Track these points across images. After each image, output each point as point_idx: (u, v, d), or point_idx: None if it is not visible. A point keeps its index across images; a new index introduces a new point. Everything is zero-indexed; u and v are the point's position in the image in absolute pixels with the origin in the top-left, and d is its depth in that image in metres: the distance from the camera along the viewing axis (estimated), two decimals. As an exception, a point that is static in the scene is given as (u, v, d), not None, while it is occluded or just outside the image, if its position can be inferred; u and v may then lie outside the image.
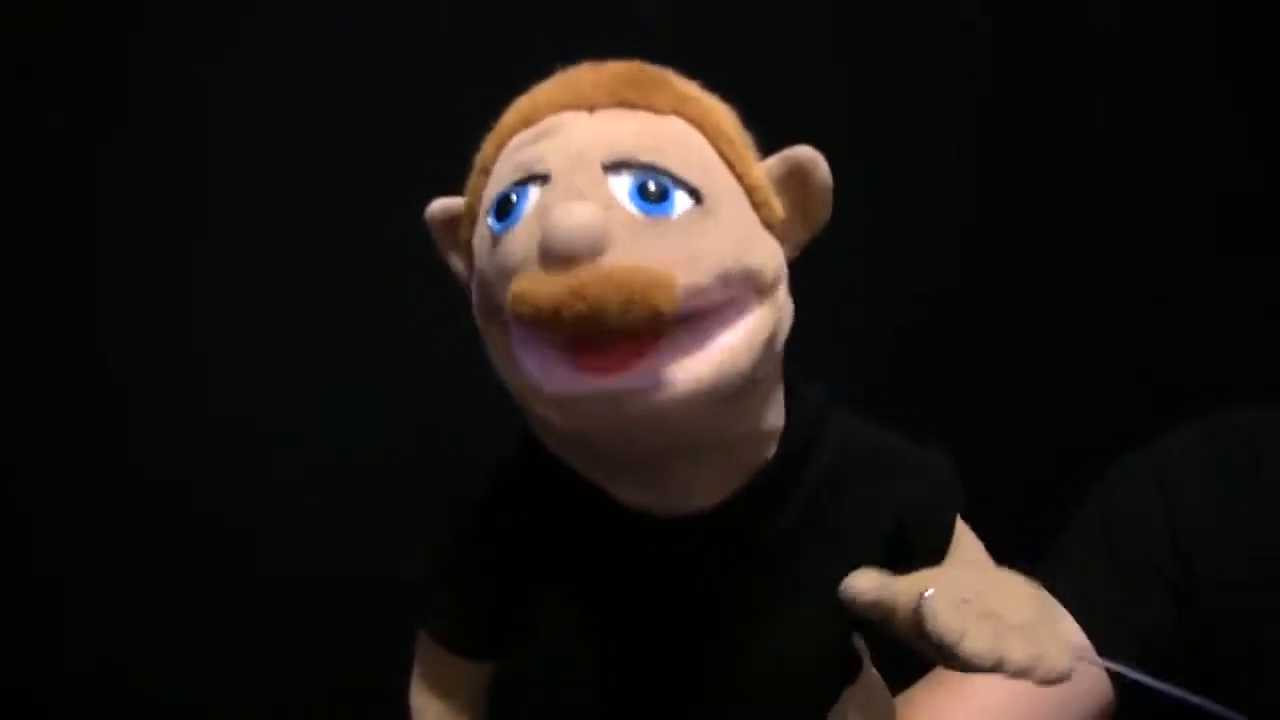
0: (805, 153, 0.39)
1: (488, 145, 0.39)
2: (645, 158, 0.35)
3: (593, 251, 0.33)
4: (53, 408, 0.93)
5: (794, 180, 0.39)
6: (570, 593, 0.47)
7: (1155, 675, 0.70)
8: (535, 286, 0.33)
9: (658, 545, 0.43)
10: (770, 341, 0.38)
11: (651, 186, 0.35)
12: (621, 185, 0.35)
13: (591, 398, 0.34)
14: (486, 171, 0.39)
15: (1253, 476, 0.69)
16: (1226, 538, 0.68)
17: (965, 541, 0.47)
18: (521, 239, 0.35)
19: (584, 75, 0.39)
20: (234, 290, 0.95)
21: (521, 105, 0.39)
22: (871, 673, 0.52)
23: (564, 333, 0.34)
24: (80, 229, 0.93)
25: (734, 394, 0.37)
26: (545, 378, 0.35)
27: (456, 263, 0.42)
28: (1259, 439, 0.70)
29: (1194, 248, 1.10)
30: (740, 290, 0.36)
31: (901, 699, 0.59)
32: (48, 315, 0.93)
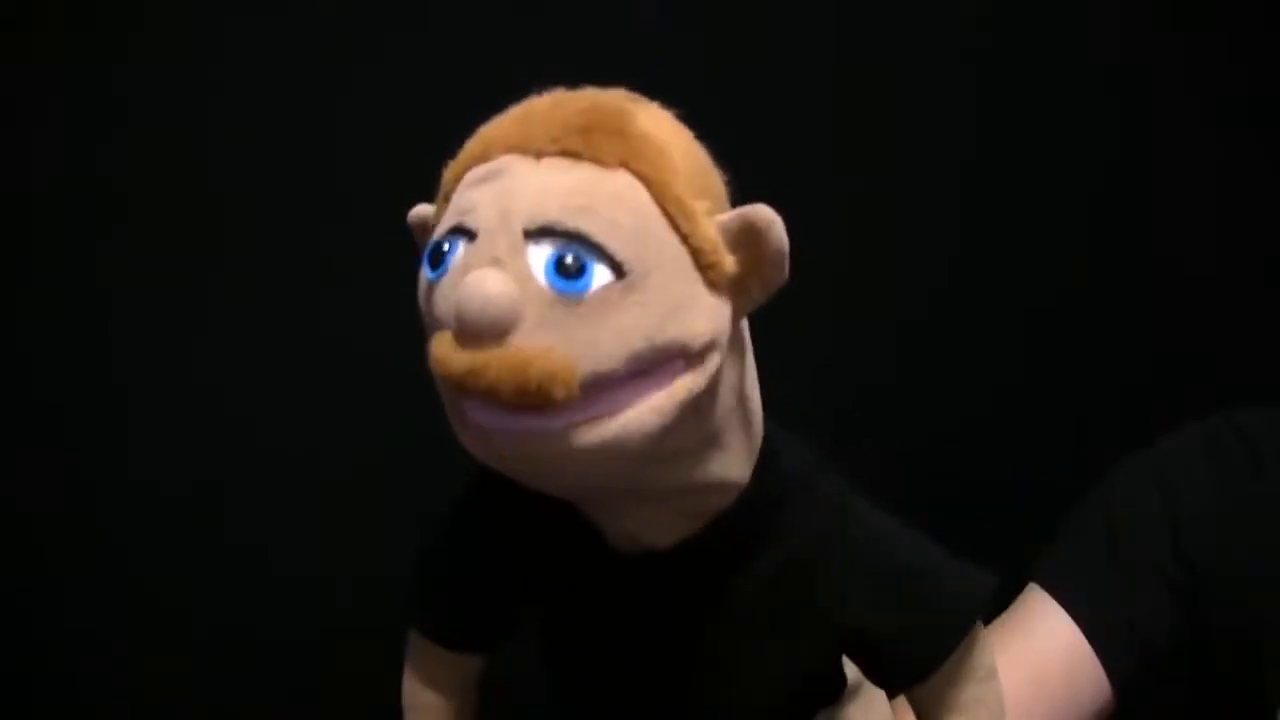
0: (761, 214, 0.37)
1: (449, 172, 0.39)
2: (570, 224, 0.35)
3: (497, 331, 0.34)
4: (52, 408, 0.93)
5: (749, 238, 0.37)
6: (538, 603, 0.47)
7: (1156, 675, 0.70)
8: (446, 356, 0.35)
9: (619, 573, 0.43)
10: (692, 406, 0.37)
11: (569, 260, 0.34)
12: (539, 256, 0.34)
13: (501, 434, 0.35)
14: (446, 196, 0.39)
15: (1253, 477, 0.69)
16: (1227, 538, 0.68)
17: (968, 689, 0.45)
18: (444, 297, 0.36)
19: (540, 113, 0.38)
20: (234, 291, 0.95)
21: (482, 135, 0.39)
22: (861, 701, 0.52)
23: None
24: (80, 229, 0.93)
25: (647, 455, 0.37)
26: (467, 412, 0.36)
27: None
28: (1259, 440, 0.70)
29: (1194, 248, 1.10)
30: (659, 363, 0.36)
31: (899, 703, 0.59)
32: (47, 315, 0.93)
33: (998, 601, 0.47)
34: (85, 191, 0.93)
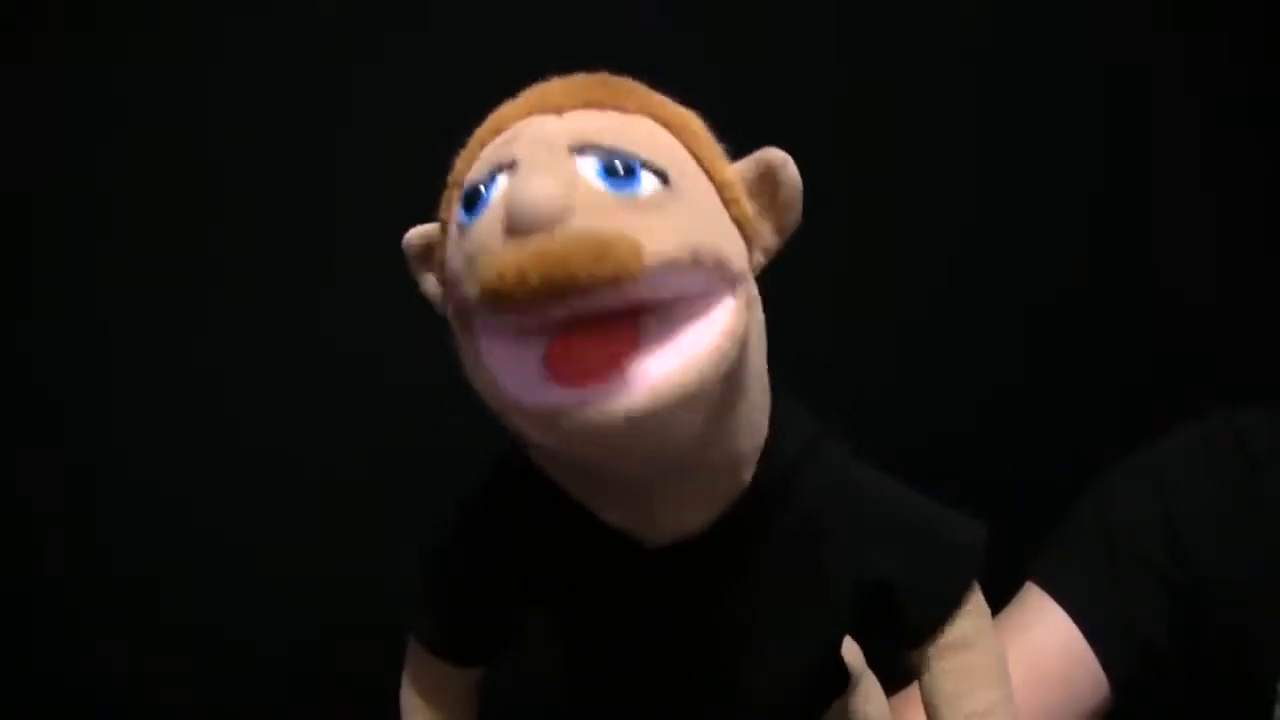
0: (775, 154, 0.38)
1: (459, 162, 0.39)
2: (611, 142, 0.35)
3: (556, 219, 0.32)
4: (52, 408, 0.93)
5: (764, 183, 0.38)
6: (552, 608, 0.47)
7: (1155, 675, 0.70)
8: (500, 257, 0.32)
9: (640, 568, 0.43)
10: (743, 341, 0.36)
11: (618, 165, 0.34)
12: (588, 164, 0.34)
13: (569, 411, 0.33)
14: (458, 185, 0.38)
15: (1250, 478, 0.69)
16: (1224, 538, 0.68)
17: (971, 662, 0.44)
18: (487, 222, 0.34)
19: (553, 84, 0.39)
20: (234, 291, 0.95)
21: (490, 119, 0.39)
22: (866, 677, 0.52)
23: (532, 310, 0.32)
24: (80, 229, 0.93)
25: (710, 401, 0.36)
26: (520, 391, 0.34)
27: (432, 285, 0.41)
28: (1256, 440, 0.70)
29: (1193, 248, 1.10)
30: (711, 278, 0.35)
31: (897, 700, 0.59)
32: (47, 316, 0.93)
33: (997, 601, 0.47)
34: (85, 191, 0.93)
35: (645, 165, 0.35)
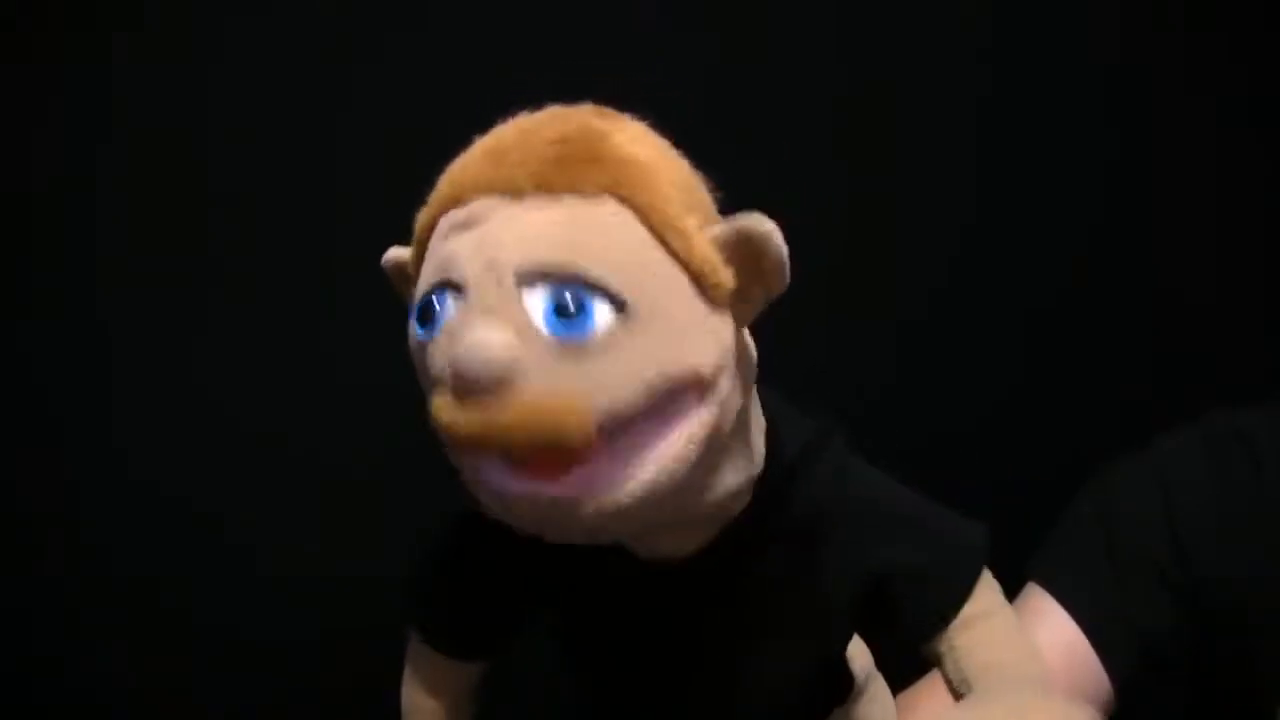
0: (757, 226, 0.35)
1: (423, 214, 0.38)
2: (565, 265, 0.33)
3: (501, 385, 0.32)
4: (52, 408, 0.93)
5: (747, 248, 0.36)
6: (553, 608, 0.47)
7: (1156, 675, 0.70)
8: (452, 418, 0.33)
9: (638, 580, 0.43)
10: (712, 437, 0.36)
11: (569, 304, 0.33)
12: (536, 303, 0.33)
13: (526, 501, 0.34)
14: (421, 243, 0.38)
15: (1252, 477, 0.69)
16: (1226, 537, 0.68)
17: (994, 625, 0.44)
18: (437, 358, 0.34)
19: (510, 147, 0.36)
20: (234, 291, 0.95)
21: (453, 175, 0.38)
22: (874, 681, 0.52)
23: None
24: (80, 229, 0.93)
25: (677, 488, 0.36)
26: (481, 475, 0.35)
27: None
28: (1257, 440, 0.70)
29: (1194, 249, 1.10)
30: (673, 396, 0.35)
31: (902, 700, 0.59)
32: (47, 316, 0.93)
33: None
34: (85, 191, 0.92)
35: (599, 292, 0.33)
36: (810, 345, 0.93)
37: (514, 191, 0.35)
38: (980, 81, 1.06)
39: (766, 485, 0.41)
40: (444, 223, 0.36)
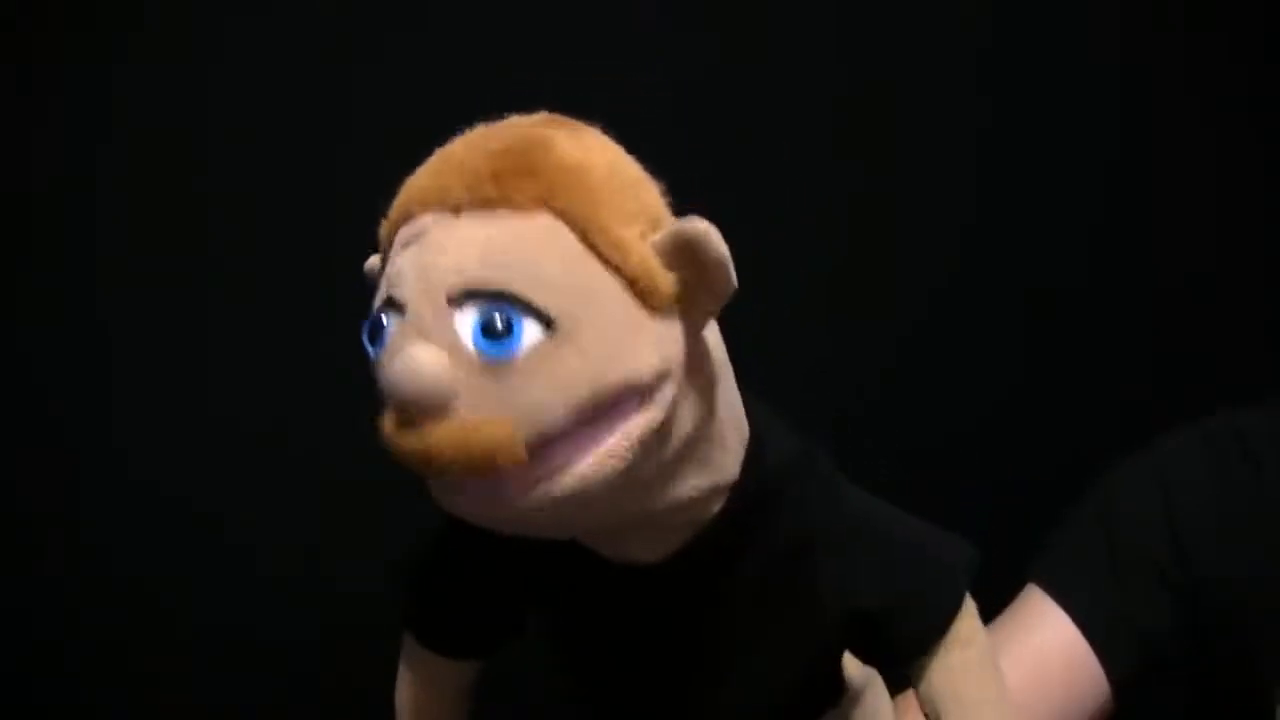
0: (693, 228, 0.35)
1: (384, 229, 0.39)
2: (493, 284, 0.34)
3: (434, 408, 0.34)
4: (52, 408, 0.93)
5: (687, 254, 0.36)
6: (545, 608, 0.47)
7: (1156, 675, 0.70)
8: (394, 439, 0.35)
9: (617, 584, 0.43)
10: (654, 440, 0.36)
11: (497, 323, 0.34)
12: (465, 323, 0.34)
13: (466, 501, 0.36)
14: (383, 255, 0.39)
15: (1252, 478, 0.69)
16: (1226, 538, 0.68)
17: (968, 658, 0.44)
18: (381, 378, 0.36)
19: (454, 162, 0.37)
20: (234, 291, 0.95)
21: (406, 187, 0.38)
22: (871, 686, 0.52)
23: None
24: (80, 229, 0.93)
25: (615, 495, 0.36)
26: (429, 481, 0.36)
27: None
28: (1258, 440, 0.70)
29: (1194, 248, 1.10)
30: (608, 406, 0.35)
31: (901, 700, 0.59)
32: (47, 316, 0.93)
33: (998, 601, 0.47)
34: (85, 191, 0.93)
35: (528, 310, 0.34)
36: (810, 345, 0.93)
37: (454, 207, 0.36)
38: (981, 81, 1.06)
39: (743, 494, 0.41)
40: (399, 236, 0.38)
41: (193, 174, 0.93)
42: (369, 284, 0.42)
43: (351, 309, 1.03)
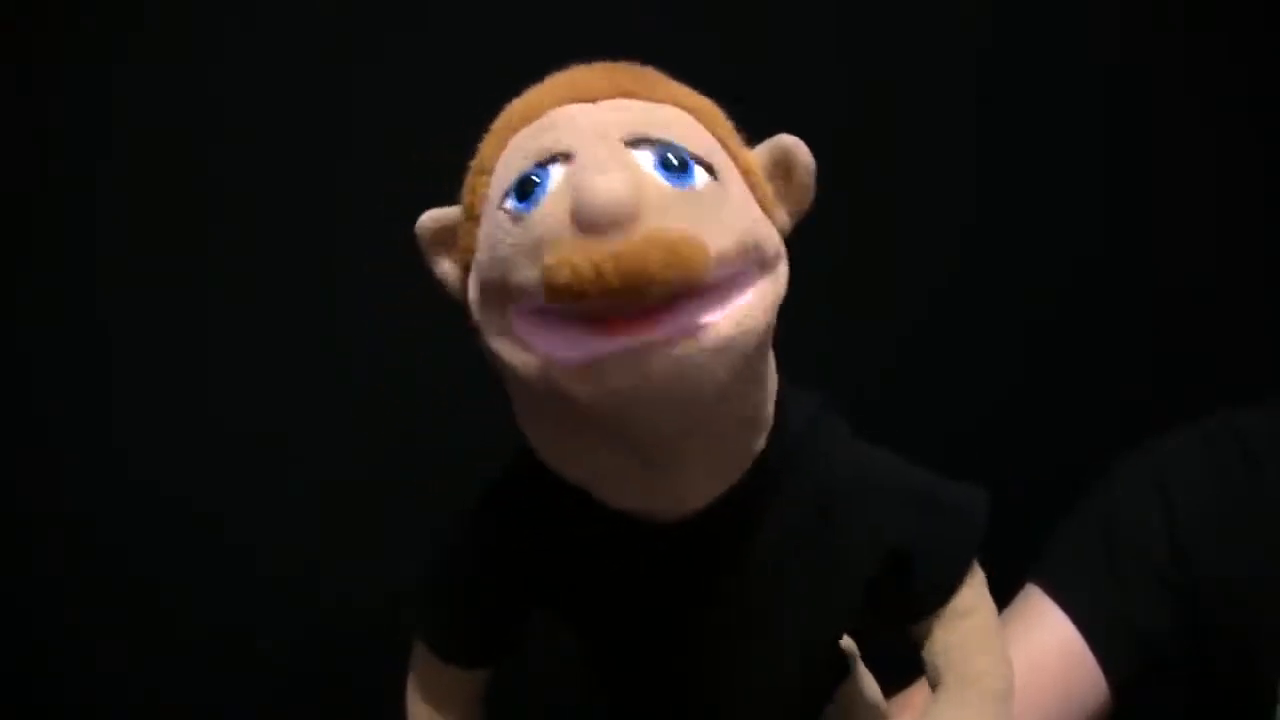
0: (789, 140, 0.40)
1: (486, 146, 0.40)
2: (661, 135, 0.37)
3: (629, 219, 0.33)
4: (52, 408, 0.93)
5: (779, 167, 0.40)
6: (565, 605, 0.47)
7: (1155, 675, 0.70)
8: (573, 254, 0.33)
9: (648, 551, 0.43)
10: (774, 315, 0.39)
11: (673, 159, 0.36)
12: (645, 159, 0.36)
13: (618, 358, 0.34)
14: (487, 171, 0.39)
15: (1251, 478, 0.69)
16: (1224, 538, 0.68)
17: (973, 625, 0.45)
18: (550, 213, 0.35)
19: (580, 72, 0.40)
20: (234, 291, 0.95)
21: (518, 106, 0.40)
22: (861, 673, 0.52)
23: (598, 300, 0.34)
24: (80, 229, 0.93)
25: (745, 362, 0.37)
26: (567, 348, 0.35)
27: (449, 269, 0.41)
28: (1257, 440, 0.70)
29: (1194, 249, 1.10)
30: (750, 263, 0.37)
31: (898, 700, 0.59)
32: (47, 316, 0.93)
33: (997, 601, 0.47)
34: (85, 191, 0.93)
35: (694, 159, 0.37)
36: (810, 345, 0.93)
37: (591, 98, 0.39)
38: (980, 81, 1.06)
39: (777, 439, 0.42)
40: (518, 138, 0.39)
41: (193, 174, 0.93)
42: (421, 244, 0.42)
43: (352, 309, 1.04)
